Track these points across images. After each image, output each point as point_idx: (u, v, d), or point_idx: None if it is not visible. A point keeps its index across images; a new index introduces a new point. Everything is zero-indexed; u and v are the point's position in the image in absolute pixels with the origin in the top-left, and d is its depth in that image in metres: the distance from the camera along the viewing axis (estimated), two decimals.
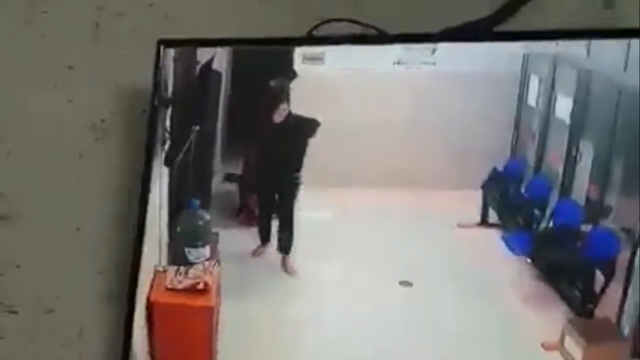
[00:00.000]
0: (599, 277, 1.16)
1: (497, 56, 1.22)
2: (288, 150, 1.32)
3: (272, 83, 1.30)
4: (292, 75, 1.28)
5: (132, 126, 1.45)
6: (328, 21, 1.38)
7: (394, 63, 1.25)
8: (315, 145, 1.29)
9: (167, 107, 1.35)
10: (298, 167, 1.31)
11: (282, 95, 1.30)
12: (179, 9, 1.48)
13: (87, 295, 1.42)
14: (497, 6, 1.31)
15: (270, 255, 1.35)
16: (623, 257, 1.14)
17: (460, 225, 1.27)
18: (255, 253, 1.36)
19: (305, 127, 1.29)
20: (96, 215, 1.44)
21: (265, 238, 1.36)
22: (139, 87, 1.42)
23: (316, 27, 1.38)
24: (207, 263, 1.32)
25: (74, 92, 1.48)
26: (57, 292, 1.42)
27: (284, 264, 1.34)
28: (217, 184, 1.38)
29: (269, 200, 1.37)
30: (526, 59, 1.23)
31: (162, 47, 1.34)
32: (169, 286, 1.30)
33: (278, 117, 1.30)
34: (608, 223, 1.17)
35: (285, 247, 1.35)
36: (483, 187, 1.26)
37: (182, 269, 1.32)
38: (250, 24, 1.44)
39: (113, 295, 1.41)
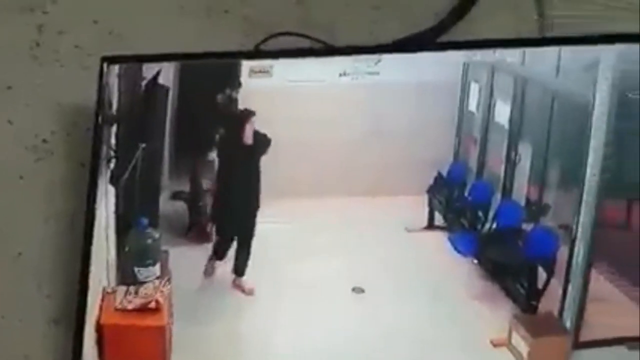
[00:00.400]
0: (542, 273, 1.20)
1: (439, 65, 1.26)
2: (247, 169, 1.32)
3: (220, 98, 1.30)
4: (238, 85, 1.29)
5: (76, 145, 1.41)
6: (276, 35, 1.39)
7: (340, 75, 1.27)
8: (268, 159, 1.29)
9: (111, 124, 1.33)
10: (257, 187, 1.31)
11: (233, 107, 1.30)
12: (125, 25, 1.46)
13: (34, 320, 1.35)
14: (440, 17, 1.36)
15: (223, 272, 1.34)
16: (562, 253, 1.18)
17: (408, 230, 1.30)
18: (207, 272, 1.35)
19: (260, 144, 1.29)
20: (39, 239, 1.39)
21: (220, 255, 1.35)
22: (82, 105, 1.37)
23: (264, 41, 1.39)
24: (157, 281, 1.28)
25: (14, 113, 1.44)
26: (2, 319, 1.37)
27: (237, 284, 1.33)
28: (165, 201, 1.36)
29: (227, 221, 1.35)
30: (466, 67, 1.28)
31: (105, 64, 1.32)
32: (119, 307, 1.27)
33: (249, 132, 1.29)
34: (547, 221, 1.22)
35: (241, 269, 1.33)
36: (429, 192, 1.29)
37: (132, 288, 1.28)
38: (198, 39, 1.43)
39: (61, 318, 1.35)
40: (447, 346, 1.21)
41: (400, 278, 1.27)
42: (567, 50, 1.18)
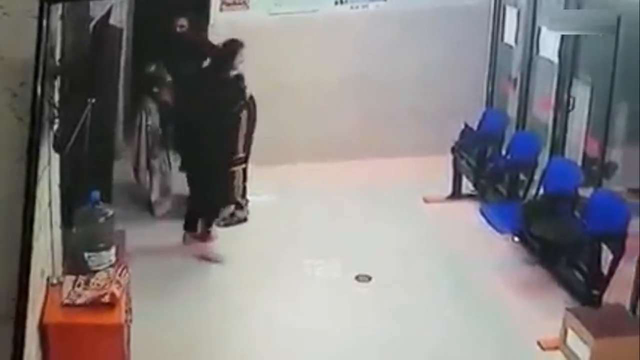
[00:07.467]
0: (607, 253, 0.88)
1: None
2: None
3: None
4: (206, 20, 0.96)
5: (23, 109, 1.11)
6: None
7: (335, 3, 0.94)
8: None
9: (55, 77, 1.02)
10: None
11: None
12: None
13: None
14: None
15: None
16: (634, 226, 0.86)
17: (427, 200, 0.96)
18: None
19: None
20: None
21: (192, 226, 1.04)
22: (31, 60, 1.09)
23: None
24: (112, 270, 1.02)
25: None
26: None
27: (204, 255, 1.05)
28: (120, 169, 1.05)
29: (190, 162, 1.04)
30: None
31: (45, 4, 1.01)
32: (66, 301, 1.03)
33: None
34: (613, 184, 0.90)
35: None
36: (453, 150, 0.96)
37: (82, 278, 1.02)
38: None
39: (4, 317, 1.07)
40: (480, 350, 0.88)
41: (417, 263, 0.93)
42: None
